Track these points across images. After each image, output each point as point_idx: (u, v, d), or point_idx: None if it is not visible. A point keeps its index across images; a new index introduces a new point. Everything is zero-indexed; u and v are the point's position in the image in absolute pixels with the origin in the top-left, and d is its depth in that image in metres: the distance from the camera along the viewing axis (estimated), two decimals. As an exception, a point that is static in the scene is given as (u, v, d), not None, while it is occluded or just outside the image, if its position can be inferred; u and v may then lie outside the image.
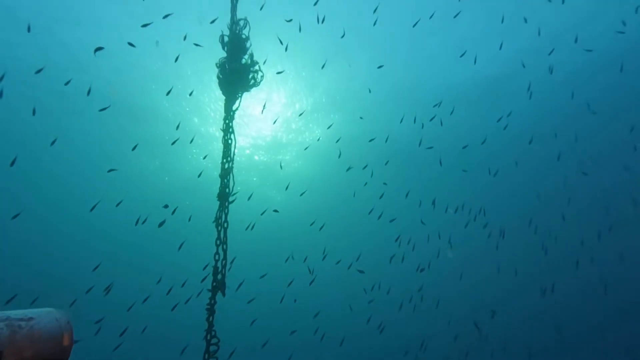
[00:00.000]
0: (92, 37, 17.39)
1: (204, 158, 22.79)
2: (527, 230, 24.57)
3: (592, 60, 19.28)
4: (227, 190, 4.66)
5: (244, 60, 4.82)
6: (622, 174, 24.30)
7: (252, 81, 4.75)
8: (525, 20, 16.91)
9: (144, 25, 12.88)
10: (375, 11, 16.05)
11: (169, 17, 13.23)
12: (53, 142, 18.17)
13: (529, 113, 21.91)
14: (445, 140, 22.20)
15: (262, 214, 20.73)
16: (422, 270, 18.18)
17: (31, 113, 17.85)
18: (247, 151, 23.43)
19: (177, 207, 19.89)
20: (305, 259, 21.53)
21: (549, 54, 18.31)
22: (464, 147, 20.70)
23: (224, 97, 4.74)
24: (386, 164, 22.01)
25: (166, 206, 14.57)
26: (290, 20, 14.32)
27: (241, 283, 14.56)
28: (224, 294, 4.68)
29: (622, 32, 16.50)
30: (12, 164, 15.57)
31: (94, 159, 23.27)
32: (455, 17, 15.00)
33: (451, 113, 20.15)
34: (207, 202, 24.43)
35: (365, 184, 21.66)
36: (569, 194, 24.66)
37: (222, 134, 4.82)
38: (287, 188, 23.68)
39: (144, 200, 24.43)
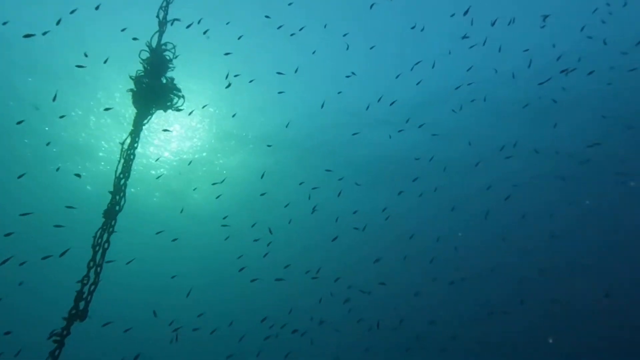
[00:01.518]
0: None
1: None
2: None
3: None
4: (116, 208, 4.27)
5: (164, 80, 4.71)
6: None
7: (169, 103, 4.62)
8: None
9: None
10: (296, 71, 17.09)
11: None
12: None
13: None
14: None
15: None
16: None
17: None
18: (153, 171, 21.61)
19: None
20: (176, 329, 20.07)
21: (475, 165, 21.12)
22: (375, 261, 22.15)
23: (135, 111, 4.51)
24: (286, 206, 21.95)
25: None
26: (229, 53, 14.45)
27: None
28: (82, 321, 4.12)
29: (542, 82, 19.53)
30: None
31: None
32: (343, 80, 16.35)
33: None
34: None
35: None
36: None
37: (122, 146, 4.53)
38: (181, 210, 21.96)
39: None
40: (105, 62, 13.97)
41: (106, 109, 10.82)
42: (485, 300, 27.91)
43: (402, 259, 25.10)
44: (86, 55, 10.66)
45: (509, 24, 16.31)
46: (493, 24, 15.83)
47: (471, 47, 16.30)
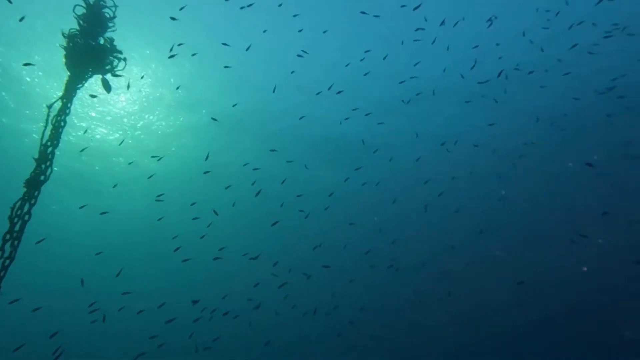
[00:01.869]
0: None
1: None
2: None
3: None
4: (41, 177, 3.87)
5: (101, 40, 4.31)
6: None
7: (109, 65, 4.24)
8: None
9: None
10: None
11: None
12: None
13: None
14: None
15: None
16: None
17: None
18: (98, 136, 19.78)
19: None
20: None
21: (416, 160, 21.23)
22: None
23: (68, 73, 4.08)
24: (227, 188, 21.45)
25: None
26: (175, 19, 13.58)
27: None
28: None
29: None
30: None
31: None
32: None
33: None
34: None
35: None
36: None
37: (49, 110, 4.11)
38: (114, 186, 20.60)
39: None
40: (21, 20, 12.69)
41: (26, 64, 9.77)
42: (415, 290, 29.22)
43: (343, 247, 25.51)
44: (10, 2, 9.61)
45: (455, 24, 16.91)
46: (442, 24, 16.32)
47: (415, 40, 16.68)
